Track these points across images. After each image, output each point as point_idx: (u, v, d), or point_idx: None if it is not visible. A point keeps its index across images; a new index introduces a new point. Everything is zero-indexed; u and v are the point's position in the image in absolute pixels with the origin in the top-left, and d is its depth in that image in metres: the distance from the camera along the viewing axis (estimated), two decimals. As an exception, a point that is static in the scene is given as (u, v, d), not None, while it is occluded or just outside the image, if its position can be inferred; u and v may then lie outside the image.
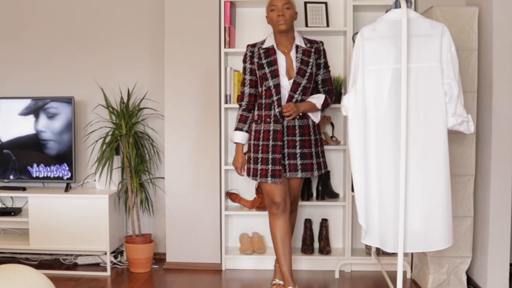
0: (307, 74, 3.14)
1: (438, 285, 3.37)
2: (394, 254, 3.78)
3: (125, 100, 3.96)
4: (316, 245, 3.98)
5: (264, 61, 3.17)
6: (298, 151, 3.13)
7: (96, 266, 3.98)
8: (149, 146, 3.99)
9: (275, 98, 3.12)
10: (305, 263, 3.85)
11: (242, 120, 3.25)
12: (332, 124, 3.95)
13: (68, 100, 3.91)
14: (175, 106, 3.89)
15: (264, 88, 3.17)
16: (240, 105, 3.27)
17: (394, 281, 3.33)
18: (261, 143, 3.15)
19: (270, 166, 3.12)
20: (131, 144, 3.81)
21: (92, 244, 3.75)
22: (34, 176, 3.97)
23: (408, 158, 2.62)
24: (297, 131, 3.13)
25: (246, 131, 3.25)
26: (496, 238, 3.24)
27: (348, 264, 3.84)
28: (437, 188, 2.64)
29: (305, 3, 3.88)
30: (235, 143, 3.30)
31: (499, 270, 3.26)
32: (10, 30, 4.21)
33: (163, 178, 4.00)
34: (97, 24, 4.16)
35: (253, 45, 3.26)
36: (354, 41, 3.16)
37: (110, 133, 3.87)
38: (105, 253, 3.83)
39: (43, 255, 4.10)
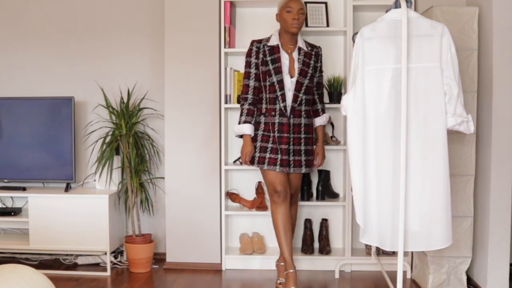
0: (309, 74, 3.30)
1: (438, 285, 3.38)
2: (394, 254, 3.78)
3: (125, 100, 3.96)
4: (316, 245, 3.98)
5: (268, 58, 3.28)
6: (303, 148, 3.31)
7: (96, 266, 3.98)
8: (149, 146, 3.99)
9: (279, 93, 3.26)
10: (305, 263, 3.86)
11: (250, 113, 3.33)
12: (332, 124, 3.95)
13: (68, 100, 3.91)
14: (175, 106, 3.89)
15: (268, 83, 3.28)
16: (246, 99, 3.33)
17: (394, 281, 3.33)
18: (271, 134, 3.28)
19: (279, 156, 3.25)
20: (131, 144, 3.81)
21: (92, 244, 3.75)
22: (34, 176, 3.97)
23: (408, 158, 2.62)
24: (302, 129, 3.30)
25: (253, 124, 3.34)
26: (496, 238, 3.24)
27: (348, 264, 3.84)
28: (437, 188, 2.64)
29: (305, 3, 3.88)
30: (241, 135, 3.35)
31: (499, 270, 3.26)
32: (9, 30, 4.21)
33: (163, 178, 4.00)
34: (97, 24, 4.16)
35: (259, 41, 3.36)
36: (354, 41, 3.16)
37: (110, 133, 3.87)
38: (105, 253, 3.83)
39: (43, 255, 4.10)
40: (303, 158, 3.31)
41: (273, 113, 3.27)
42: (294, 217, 3.52)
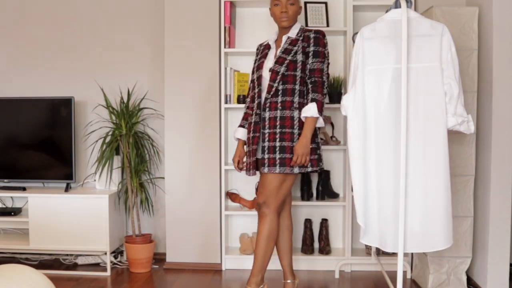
0: (286, 61, 2.96)
1: (438, 285, 3.37)
2: (394, 254, 3.78)
3: (125, 100, 3.96)
4: (316, 245, 3.98)
5: (257, 57, 3.18)
6: (277, 144, 2.93)
7: (96, 266, 3.98)
8: (149, 146, 4.00)
9: (256, 90, 3.09)
10: (305, 263, 3.86)
11: (245, 117, 3.24)
12: (332, 124, 3.95)
13: (68, 100, 3.91)
14: (175, 106, 3.89)
15: (251, 82, 3.20)
16: (246, 102, 3.28)
17: (394, 281, 3.33)
18: (251, 135, 3.11)
19: (249, 159, 3.10)
20: (131, 144, 3.81)
21: (92, 244, 3.75)
22: (34, 176, 3.97)
23: (408, 158, 2.62)
24: (278, 123, 2.95)
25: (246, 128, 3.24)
26: (496, 238, 3.24)
27: (348, 264, 3.84)
28: (437, 188, 2.64)
29: (305, 3, 3.88)
30: (237, 139, 3.27)
31: (499, 270, 3.26)
32: (10, 30, 4.21)
33: (163, 178, 4.00)
34: (98, 24, 4.16)
35: (261, 44, 3.25)
36: (354, 41, 3.16)
37: (110, 133, 3.87)
38: (105, 253, 3.83)
39: (43, 255, 4.11)
40: (277, 156, 2.92)
41: (252, 111, 3.12)
42: (287, 224, 3.18)
